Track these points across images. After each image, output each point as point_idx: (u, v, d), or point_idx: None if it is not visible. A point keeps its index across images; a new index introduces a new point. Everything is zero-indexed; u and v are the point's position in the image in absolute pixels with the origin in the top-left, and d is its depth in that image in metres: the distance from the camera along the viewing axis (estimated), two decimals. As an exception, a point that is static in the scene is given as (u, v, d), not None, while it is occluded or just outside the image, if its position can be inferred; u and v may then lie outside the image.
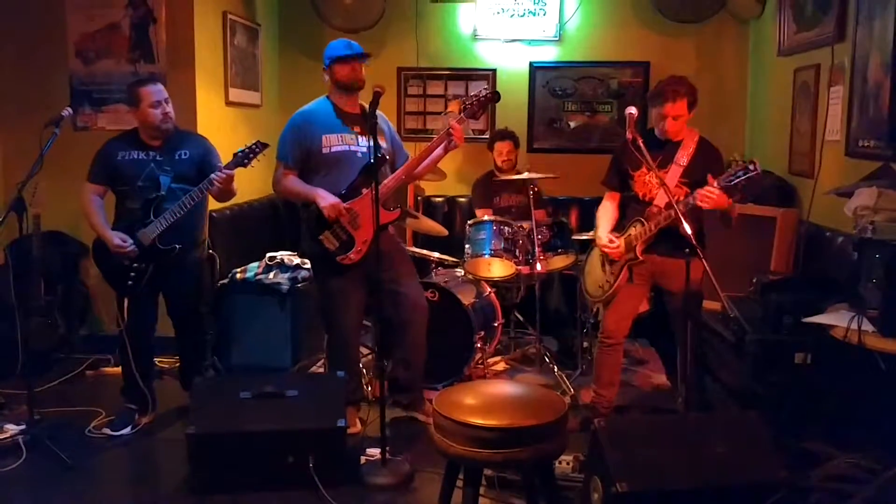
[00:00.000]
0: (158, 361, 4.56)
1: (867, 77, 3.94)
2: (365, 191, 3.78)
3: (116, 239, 3.84)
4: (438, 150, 3.87)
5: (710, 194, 3.48)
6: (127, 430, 3.97)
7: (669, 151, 3.77)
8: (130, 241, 3.85)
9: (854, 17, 4.11)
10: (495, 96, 3.93)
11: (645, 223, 3.73)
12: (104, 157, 4.00)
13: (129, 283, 3.91)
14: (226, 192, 3.99)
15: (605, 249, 3.87)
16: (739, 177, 3.43)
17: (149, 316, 4.10)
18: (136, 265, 3.89)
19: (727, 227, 3.73)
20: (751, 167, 3.41)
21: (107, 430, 3.96)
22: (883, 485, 2.95)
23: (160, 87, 3.98)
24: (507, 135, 5.47)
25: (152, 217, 3.86)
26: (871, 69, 3.91)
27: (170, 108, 3.96)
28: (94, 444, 3.86)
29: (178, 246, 3.90)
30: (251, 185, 5.55)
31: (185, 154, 3.99)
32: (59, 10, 5.07)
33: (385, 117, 4.07)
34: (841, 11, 4.26)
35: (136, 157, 3.96)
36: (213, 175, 3.82)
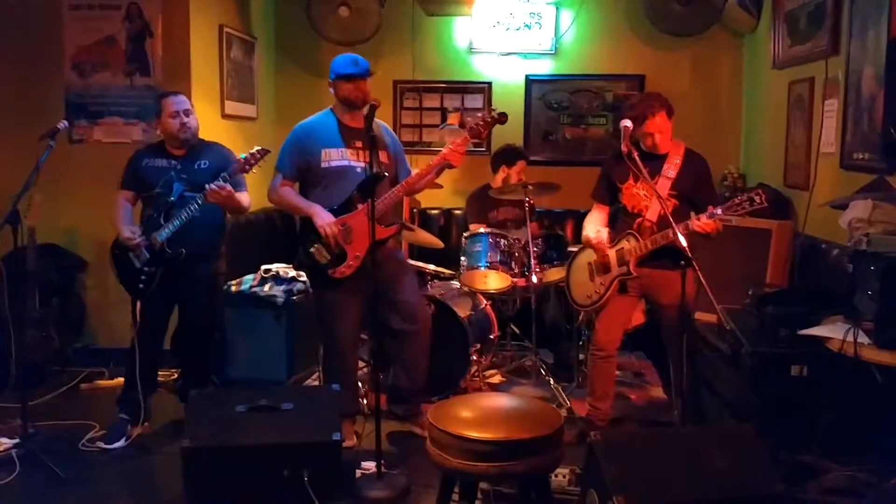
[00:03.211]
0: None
1: (861, 90, 3.96)
2: (360, 206, 3.78)
3: (126, 231, 3.92)
4: (438, 167, 3.88)
5: (709, 226, 3.51)
6: (121, 443, 3.96)
7: (656, 164, 3.79)
8: (139, 233, 3.92)
9: (847, 31, 4.13)
10: (502, 118, 3.87)
11: (639, 239, 3.74)
12: (132, 163, 4.12)
13: (140, 285, 3.96)
14: (229, 205, 4.01)
15: (593, 241, 3.88)
16: (745, 207, 3.44)
17: (159, 324, 4.14)
18: (146, 268, 3.94)
19: (707, 240, 3.75)
20: (756, 198, 3.40)
21: (100, 444, 3.94)
22: (880, 497, 2.94)
23: (182, 98, 4.07)
24: (523, 153, 5.45)
25: (162, 222, 3.91)
26: (864, 82, 3.93)
27: (188, 119, 4.03)
28: (89, 457, 3.85)
29: (182, 251, 3.92)
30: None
31: (205, 164, 4.04)
32: (55, 22, 5.08)
33: (390, 130, 4.08)
34: (834, 25, 4.28)
35: (159, 164, 4.05)
36: (208, 186, 3.84)
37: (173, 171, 4.01)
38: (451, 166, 3.86)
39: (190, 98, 4.93)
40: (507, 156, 5.37)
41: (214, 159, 4.08)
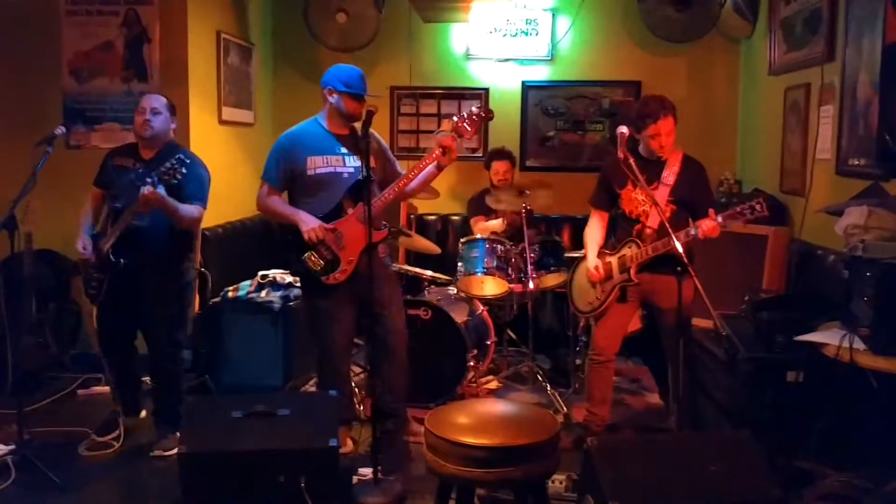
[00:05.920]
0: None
1: (856, 96, 3.97)
2: (350, 211, 3.77)
3: (79, 244, 3.88)
4: (431, 168, 3.81)
5: (713, 231, 3.52)
6: (112, 435, 4.03)
7: (655, 170, 3.80)
8: (90, 247, 3.87)
9: (843, 37, 4.14)
10: (489, 114, 3.86)
11: (640, 246, 3.75)
12: (103, 159, 4.06)
13: (92, 291, 3.92)
14: (168, 215, 3.79)
15: (591, 277, 3.93)
16: (745, 215, 3.46)
17: (118, 330, 4.06)
18: (96, 275, 3.88)
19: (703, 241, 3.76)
20: (757, 207, 3.42)
21: (93, 437, 4.02)
22: (876, 503, 2.94)
23: (153, 96, 4.01)
24: (504, 154, 5.49)
25: (109, 228, 3.85)
26: (860, 88, 3.94)
27: (152, 118, 3.90)
28: (85, 464, 3.85)
29: (122, 260, 3.79)
30: (243, 203, 5.55)
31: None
32: (53, 27, 5.09)
33: (376, 133, 4.05)
34: (830, 31, 4.29)
35: (123, 164, 3.96)
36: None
37: (133, 173, 3.80)
38: (440, 167, 3.80)
39: (187, 104, 4.96)
40: (494, 153, 5.52)
41: None
